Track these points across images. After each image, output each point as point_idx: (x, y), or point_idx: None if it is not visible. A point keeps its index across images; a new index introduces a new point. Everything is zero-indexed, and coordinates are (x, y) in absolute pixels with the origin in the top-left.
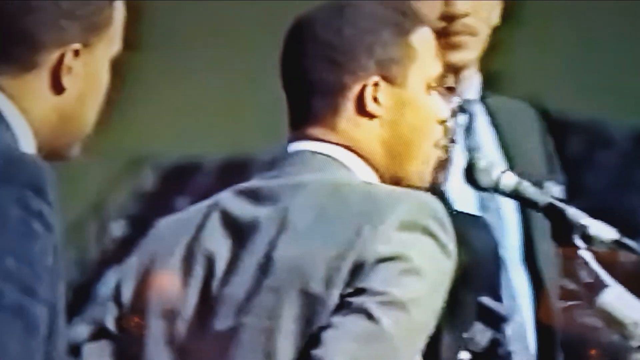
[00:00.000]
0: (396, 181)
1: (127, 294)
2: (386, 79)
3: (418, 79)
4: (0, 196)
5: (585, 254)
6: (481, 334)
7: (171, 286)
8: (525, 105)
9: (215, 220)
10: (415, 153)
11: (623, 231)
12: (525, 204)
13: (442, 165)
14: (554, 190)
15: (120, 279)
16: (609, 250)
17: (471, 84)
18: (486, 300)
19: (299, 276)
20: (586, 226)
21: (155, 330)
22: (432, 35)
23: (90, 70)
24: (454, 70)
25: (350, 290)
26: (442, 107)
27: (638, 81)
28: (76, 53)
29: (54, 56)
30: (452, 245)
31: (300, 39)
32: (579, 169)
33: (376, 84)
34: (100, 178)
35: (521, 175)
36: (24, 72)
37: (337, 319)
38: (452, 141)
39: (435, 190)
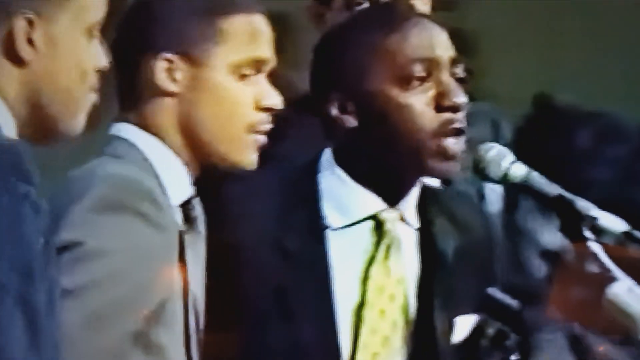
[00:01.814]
0: (208, 163)
1: None
2: (184, 57)
3: (224, 62)
4: None
5: (595, 246)
6: (488, 326)
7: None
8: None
9: None
10: (218, 135)
11: (632, 225)
12: (535, 196)
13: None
14: None
15: None
16: (619, 243)
17: None
18: (494, 291)
19: None
20: (596, 218)
21: None
22: (261, 24)
23: (55, 43)
24: None
25: None
26: (266, 93)
27: None
28: (30, 23)
29: (3, 26)
30: (158, 215)
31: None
32: (588, 161)
33: (170, 61)
34: None
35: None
36: None
37: None
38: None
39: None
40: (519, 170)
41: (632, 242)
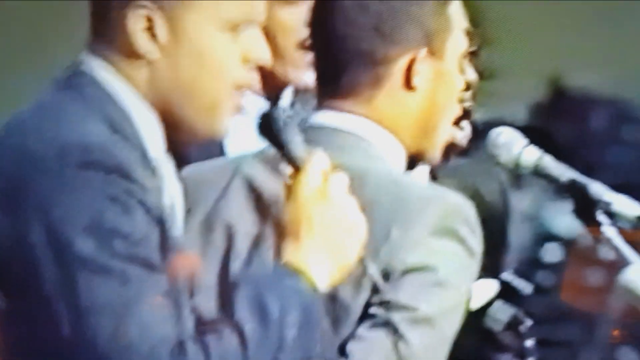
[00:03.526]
0: (417, 155)
1: None
2: (430, 51)
3: (453, 52)
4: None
5: (609, 231)
6: (502, 311)
7: (190, 259)
8: None
9: (237, 189)
10: (441, 126)
11: None
12: (547, 180)
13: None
14: None
15: None
16: (634, 227)
17: None
18: (507, 276)
19: None
20: (609, 202)
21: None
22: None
23: (181, 39)
24: None
25: (376, 299)
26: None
27: None
28: (149, 19)
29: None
30: (479, 249)
31: (341, 5)
32: (603, 144)
33: (423, 57)
34: None
35: None
36: None
37: (363, 332)
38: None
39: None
40: (530, 155)
41: None
